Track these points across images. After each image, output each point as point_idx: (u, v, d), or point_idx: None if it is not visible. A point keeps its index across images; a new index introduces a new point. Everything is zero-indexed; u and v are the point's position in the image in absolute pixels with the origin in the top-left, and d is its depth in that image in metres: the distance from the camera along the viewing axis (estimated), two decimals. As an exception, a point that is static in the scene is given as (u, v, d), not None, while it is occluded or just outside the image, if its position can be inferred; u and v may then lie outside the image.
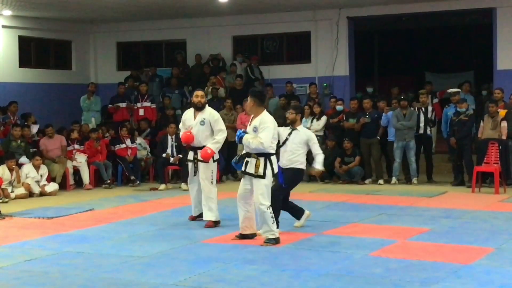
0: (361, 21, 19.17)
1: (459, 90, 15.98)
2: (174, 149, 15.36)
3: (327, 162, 15.26)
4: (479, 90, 17.69)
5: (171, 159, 15.27)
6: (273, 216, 8.68)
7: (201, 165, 10.13)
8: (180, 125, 10.59)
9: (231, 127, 16.06)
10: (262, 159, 8.64)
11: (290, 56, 19.47)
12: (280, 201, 9.43)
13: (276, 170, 8.78)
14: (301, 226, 9.82)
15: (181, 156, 14.98)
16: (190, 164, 10.39)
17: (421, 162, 15.26)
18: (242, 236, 9.01)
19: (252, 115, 9.02)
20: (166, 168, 15.49)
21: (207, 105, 10.40)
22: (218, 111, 16.59)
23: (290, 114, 9.69)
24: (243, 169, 8.81)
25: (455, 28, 23.20)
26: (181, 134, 10.42)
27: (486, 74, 18.99)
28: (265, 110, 8.94)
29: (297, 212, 9.94)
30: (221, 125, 10.22)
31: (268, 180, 8.67)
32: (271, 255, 8.06)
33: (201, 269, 7.41)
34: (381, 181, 14.97)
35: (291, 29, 19.01)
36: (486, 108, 14.35)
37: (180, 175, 15.36)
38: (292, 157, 9.48)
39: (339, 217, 10.69)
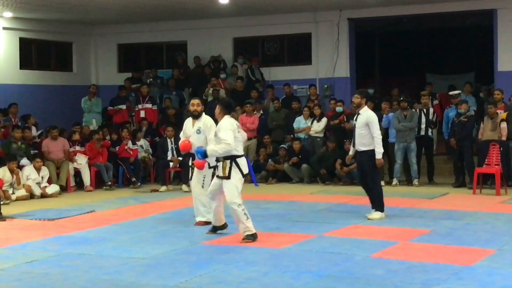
0: (362, 22, 19.16)
1: (460, 92, 15.97)
2: (174, 152, 15.37)
3: (328, 164, 15.36)
4: (479, 92, 17.68)
5: (171, 164, 15.28)
6: (246, 212, 8.90)
7: (195, 169, 10.23)
8: (181, 134, 10.65)
9: (232, 129, 16.07)
10: (227, 162, 8.93)
11: (291, 57, 19.46)
12: (380, 185, 10.78)
13: (246, 171, 9.02)
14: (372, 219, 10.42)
15: (180, 158, 15.00)
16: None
17: (422, 163, 15.25)
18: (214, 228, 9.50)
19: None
20: (167, 169, 15.49)
21: (203, 113, 10.45)
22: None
23: (355, 99, 10.56)
24: (216, 173, 9.30)
25: (456, 29, 23.18)
26: (180, 142, 10.50)
27: (487, 75, 18.97)
28: (227, 116, 9.16)
29: (373, 203, 10.61)
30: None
31: (235, 180, 8.92)
32: (272, 257, 8.06)
33: (202, 270, 7.41)
34: (382, 183, 14.91)
35: (292, 30, 19.00)
36: (485, 110, 14.35)
37: (181, 177, 15.37)
38: (361, 139, 10.38)
39: (340, 219, 10.67)
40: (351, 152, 11.03)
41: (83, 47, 20.51)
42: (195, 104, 10.36)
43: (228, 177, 8.93)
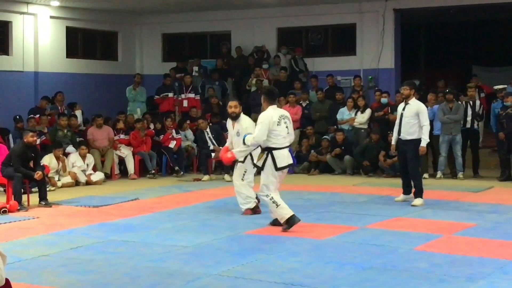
0: (408, 13, 18.95)
1: (506, 86, 15.71)
2: (214, 141, 15.42)
3: (371, 156, 15.27)
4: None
5: (212, 154, 15.34)
6: (275, 200, 8.95)
7: (238, 163, 10.31)
8: (228, 134, 10.74)
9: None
10: (264, 153, 9.04)
11: (335, 48, 19.35)
12: (418, 171, 11.27)
13: (281, 164, 8.97)
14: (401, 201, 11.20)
15: (221, 148, 15.06)
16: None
17: (467, 156, 15.06)
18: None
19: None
20: (209, 159, 15.55)
21: (242, 114, 10.49)
22: (261, 103, 16.77)
23: (404, 90, 10.99)
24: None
25: (503, 21, 22.80)
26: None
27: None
28: (272, 106, 9.14)
29: (406, 188, 11.24)
30: (250, 131, 10.09)
31: (267, 171, 8.98)
32: (315, 248, 8.05)
33: (244, 260, 7.43)
34: (426, 175, 14.78)
35: (336, 21, 18.88)
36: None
37: (223, 167, 15.42)
38: (408, 129, 10.84)
39: (383, 211, 10.62)
40: (393, 142, 11.48)
41: (128, 36, 20.67)
42: (232, 106, 10.36)
43: (262, 168, 9.04)
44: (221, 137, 15.27)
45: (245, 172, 10.28)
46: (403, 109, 11.04)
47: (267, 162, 8.99)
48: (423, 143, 10.94)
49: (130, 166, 15.47)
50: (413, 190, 11.21)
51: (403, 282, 6.52)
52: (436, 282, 6.52)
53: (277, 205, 9.00)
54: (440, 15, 21.15)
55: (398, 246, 8.04)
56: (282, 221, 9.02)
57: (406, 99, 11.05)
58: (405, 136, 10.98)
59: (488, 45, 24.54)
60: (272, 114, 9.05)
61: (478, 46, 24.82)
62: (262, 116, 9.03)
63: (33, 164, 11.65)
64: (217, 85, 18.43)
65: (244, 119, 10.45)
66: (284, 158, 9.04)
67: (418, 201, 10.98)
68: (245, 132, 9.77)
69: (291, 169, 10.11)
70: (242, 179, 10.29)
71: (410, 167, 11.04)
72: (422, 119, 10.86)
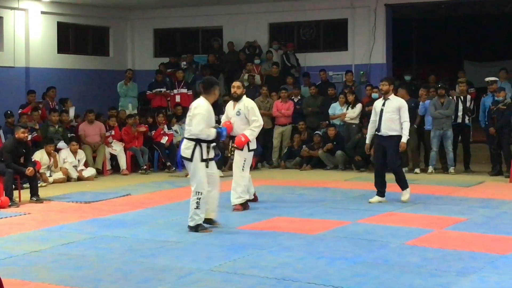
0: (399, 8, 18.97)
1: (497, 79, 15.75)
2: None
3: (362, 151, 15.21)
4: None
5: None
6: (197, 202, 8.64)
7: (236, 153, 10.35)
8: (223, 117, 10.76)
9: (267, 114, 16.09)
10: (192, 143, 8.69)
11: (327, 43, 19.33)
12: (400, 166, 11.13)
13: (207, 156, 8.72)
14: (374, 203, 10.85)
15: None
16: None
17: (459, 151, 15.10)
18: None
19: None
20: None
21: (244, 96, 10.51)
22: (254, 98, 16.79)
23: (383, 86, 10.86)
24: None
25: (494, 16, 22.84)
26: (222, 124, 10.48)
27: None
28: (204, 97, 8.88)
29: (381, 188, 11.00)
30: (255, 115, 10.32)
31: (194, 164, 8.64)
32: (307, 243, 8.06)
33: (236, 255, 7.44)
34: (417, 170, 14.85)
35: (328, 16, 18.87)
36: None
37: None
38: (390, 124, 10.66)
39: (375, 206, 10.64)
40: (368, 140, 11.26)
41: (119, 31, 20.61)
42: (235, 86, 10.50)
43: (190, 159, 8.68)
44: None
45: (245, 161, 10.34)
46: (383, 105, 10.84)
47: (196, 153, 8.70)
48: (404, 139, 10.76)
49: (122, 161, 15.46)
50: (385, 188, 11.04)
51: (395, 277, 6.54)
52: (428, 277, 6.54)
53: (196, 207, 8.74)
54: (432, 10, 21.18)
55: (390, 241, 8.06)
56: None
57: (385, 94, 10.90)
58: (386, 132, 10.75)
59: (479, 40, 24.60)
60: (206, 106, 8.93)
61: (469, 41, 24.86)
62: (199, 106, 8.81)
63: (24, 159, 11.62)
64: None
65: (247, 100, 10.52)
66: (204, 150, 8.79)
67: (406, 194, 10.91)
68: (252, 112, 10.15)
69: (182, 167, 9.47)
70: (242, 169, 10.31)
71: (391, 163, 10.85)
72: (403, 115, 10.71)
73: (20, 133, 11.58)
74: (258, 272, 6.74)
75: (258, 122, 10.30)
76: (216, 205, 9.09)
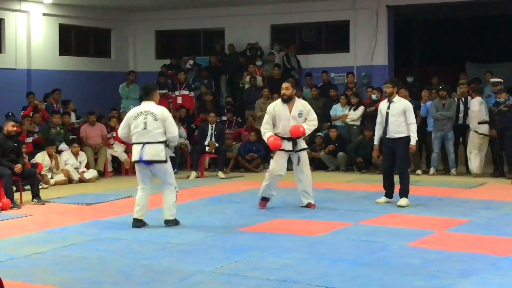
0: (401, 10, 18.96)
1: (502, 80, 15.73)
2: (213, 138, 15.40)
3: (364, 152, 15.27)
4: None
5: (207, 148, 15.32)
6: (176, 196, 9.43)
7: (302, 154, 10.49)
8: (266, 119, 10.46)
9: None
10: (163, 146, 9.21)
11: (329, 45, 19.35)
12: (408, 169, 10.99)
13: (134, 158, 9.38)
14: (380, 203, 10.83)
15: (217, 144, 15.10)
16: (280, 154, 10.43)
17: (460, 152, 15.08)
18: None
19: None
20: (202, 156, 15.51)
21: (296, 97, 10.58)
22: (255, 100, 16.81)
23: (387, 88, 10.75)
24: None
25: (496, 18, 22.83)
26: (271, 141, 10.30)
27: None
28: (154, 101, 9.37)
29: (389, 189, 10.90)
30: (314, 114, 10.58)
31: (168, 164, 9.34)
32: (308, 244, 8.05)
33: (238, 257, 7.44)
34: (419, 172, 14.84)
35: (330, 18, 18.89)
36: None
37: (217, 164, 15.41)
38: (397, 127, 10.54)
39: (376, 207, 10.63)
40: (376, 142, 11.10)
41: (121, 33, 20.64)
42: (284, 88, 10.40)
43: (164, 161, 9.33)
44: (221, 136, 15.36)
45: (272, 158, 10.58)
46: (388, 107, 10.70)
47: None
48: (413, 141, 10.62)
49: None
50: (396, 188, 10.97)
51: (396, 278, 6.53)
52: (429, 278, 6.53)
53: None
54: (434, 12, 21.15)
55: (391, 243, 8.05)
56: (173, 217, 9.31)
57: (389, 97, 10.75)
58: (394, 134, 10.62)
59: (482, 42, 24.57)
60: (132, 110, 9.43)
61: (471, 42, 24.84)
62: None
63: (15, 154, 11.41)
64: (206, 83, 18.34)
65: (303, 101, 10.68)
66: (135, 153, 9.22)
67: (404, 201, 10.63)
68: (312, 112, 10.39)
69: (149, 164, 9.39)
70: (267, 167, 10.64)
71: (400, 165, 10.75)
72: (409, 117, 10.58)
73: (10, 126, 11.32)
74: (259, 274, 6.73)
75: (315, 121, 10.53)
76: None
